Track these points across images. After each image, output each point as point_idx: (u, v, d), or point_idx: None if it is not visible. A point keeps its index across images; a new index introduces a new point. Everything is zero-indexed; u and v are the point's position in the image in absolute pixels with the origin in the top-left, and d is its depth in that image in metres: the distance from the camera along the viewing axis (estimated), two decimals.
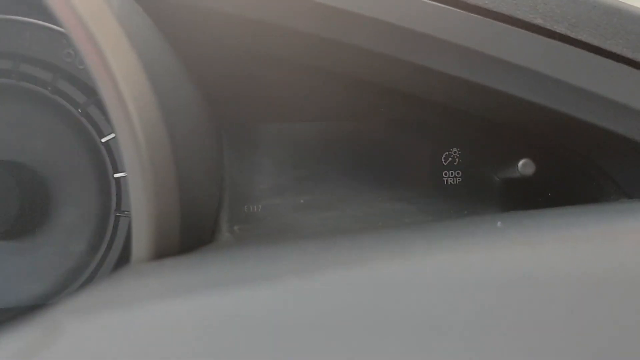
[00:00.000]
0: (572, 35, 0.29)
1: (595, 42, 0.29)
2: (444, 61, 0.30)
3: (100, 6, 0.25)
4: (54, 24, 0.39)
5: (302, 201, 0.38)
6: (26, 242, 0.39)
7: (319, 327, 0.15)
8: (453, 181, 0.39)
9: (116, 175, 0.39)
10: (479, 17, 0.29)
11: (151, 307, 0.16)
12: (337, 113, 0.38)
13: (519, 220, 0.27)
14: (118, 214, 0.40)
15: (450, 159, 0.39)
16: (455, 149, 0.39)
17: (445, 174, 0.39)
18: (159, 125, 0.26)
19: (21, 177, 0.38)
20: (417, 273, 0.18)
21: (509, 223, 0.25)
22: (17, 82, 0.39)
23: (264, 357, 0.14)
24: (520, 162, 0.35)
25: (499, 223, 0.25)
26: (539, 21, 0.29)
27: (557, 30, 0.29)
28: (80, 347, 0.14)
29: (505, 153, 0.38)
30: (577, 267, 0.19)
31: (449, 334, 0.15)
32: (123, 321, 0.15)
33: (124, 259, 0.39)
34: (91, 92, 0.39)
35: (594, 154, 0.34)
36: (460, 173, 0.39)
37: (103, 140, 0.39)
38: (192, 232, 0.29)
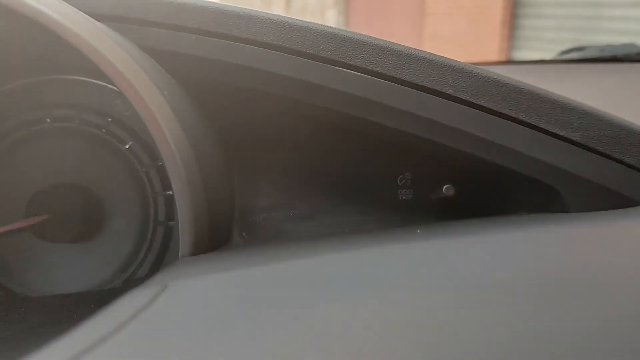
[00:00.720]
0: (474, 100, 0.42)
1: (490, 105, 0.42)
2: (392, 120, 0.43)
3: (154, 91, 0.38)
4: (108, 83, 0.52)
5: (291, 214, 0.52)
6: (88, 244, 0.52)
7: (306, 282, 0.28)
8: (406, 197, 0.52)
9: (154, 194, 0.53)
10: (410, 89, 0.42)
11: (226, 274, 0.29)
12: (315, 147, 0.52)
13: (434, 230, 0.40)
14: (155, 224, 0.53)
15: (404, 180, 0.52)
16: (407, 173, 0.52)
17: (400, 192, 0.52)
18: (192, 162, 0.40)
19: (84, 196, 0.51)
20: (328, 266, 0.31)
21: (426, 231, 0.39)
22: (79, 126, 0.52)
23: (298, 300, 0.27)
24: (445, 187, 0.48)
25: (418, 230, 0.38)
26: (450, 91, 0.42)
27: (464, 98, 0.42)
28: (184, 298, 0.27)
29: (438, 178, 0.51)
30: (445, 268, 0.32)
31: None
32: (211, 282, 0.28)
33: (160, 257, 0.53)
34: (134, 134, 0.52)
35: (500, 180, 0.47)
36: (411, 191, 0.52)
37: (144, 169, 0.52)
38: (215, 236, 0.42)
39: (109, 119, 0.52)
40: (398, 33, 8.02)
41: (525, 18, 5.81)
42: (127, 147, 0.52)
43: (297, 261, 0.32)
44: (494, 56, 5.99)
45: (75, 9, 0.38)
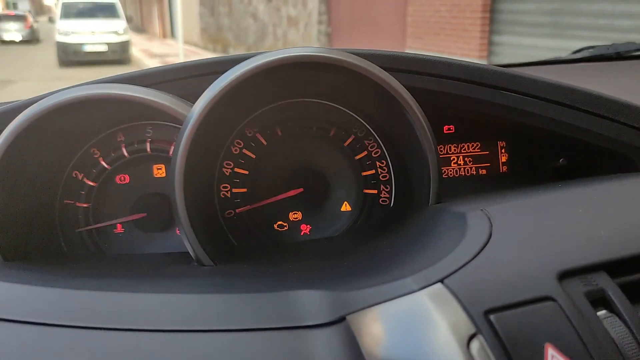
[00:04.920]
0: (588, 109, 0.71)
1: (600, 112, 0.71)
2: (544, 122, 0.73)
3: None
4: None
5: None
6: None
7: None
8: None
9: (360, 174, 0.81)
10: (539, 101, 0.72)
11: None
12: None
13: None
14: (365, 193, 0.81)
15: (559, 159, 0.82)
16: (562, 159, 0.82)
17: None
18: None
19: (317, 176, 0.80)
20: None
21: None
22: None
23: None
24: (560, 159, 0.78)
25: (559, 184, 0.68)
26: (585, 107, 0.71)
27: (582, 108, 0.71)
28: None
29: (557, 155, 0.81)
30: None
31: None
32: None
33: (367, 215, 0.81)
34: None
35: (598, 155, 0.76)
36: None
37: (357, 158, 0.81)
38: None
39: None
40: (381, 21, 8.27)
41: (505, 2, 6.12)
42: (346, 144, 0.81)
43: None
44: (476, 41, 6.31)
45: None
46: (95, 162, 0.80)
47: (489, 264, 0.43)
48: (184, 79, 0.71)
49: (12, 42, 14.17)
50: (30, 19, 15.29)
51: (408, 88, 0.67)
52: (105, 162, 0.80)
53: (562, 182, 0.69)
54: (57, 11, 12.91)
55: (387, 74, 0.63)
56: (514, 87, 0.70)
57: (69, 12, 12.63)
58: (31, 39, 14.77)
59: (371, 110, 0.78)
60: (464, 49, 6.49)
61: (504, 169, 0.84)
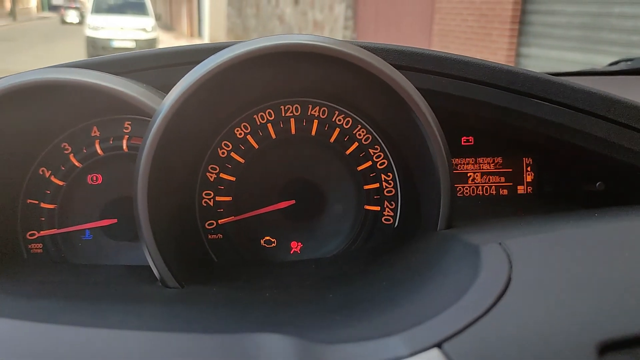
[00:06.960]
0: (632, 124, 0.60)
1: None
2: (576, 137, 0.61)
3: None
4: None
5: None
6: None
7: None
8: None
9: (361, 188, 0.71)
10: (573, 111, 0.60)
11: None
12: None
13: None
14: (365, 210, 0.71)
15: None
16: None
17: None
18: None
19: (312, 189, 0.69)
20: None
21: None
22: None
23: None
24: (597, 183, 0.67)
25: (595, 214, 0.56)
26: (622, 120, 0.60)
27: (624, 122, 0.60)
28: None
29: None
30: None
31: None
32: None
33: (370, 234, 0.71)
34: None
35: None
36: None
37: (358, 169, 0.70)
38: None
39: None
40: (406, 29, 8.15)
41: (534, 14, 5.96)
42: (348, 152, 0.70)
43: None
44: (503, 52, 6.15)
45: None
46: (65, 159, 0.71)
47: (505, 325, 0.33)
48: (161, 68, 0.62)
49: (71, 23, 23.53)
50: (83, 9, 23.97)
51: (422, 91, 0.56)
52: (76, 160, 0.70)
53: (598, 211, 0.57)
54: (89, 6, 13.16)
55: (393, 68, 0.53)
56: (547, 95, 0.59)
57: (100, 7, 12.82)
58: (83, 22, 24.96)
59: (378, 114, 0.68)
60: (490, 60, 6.33)
61: (529, 190, 0.73)
